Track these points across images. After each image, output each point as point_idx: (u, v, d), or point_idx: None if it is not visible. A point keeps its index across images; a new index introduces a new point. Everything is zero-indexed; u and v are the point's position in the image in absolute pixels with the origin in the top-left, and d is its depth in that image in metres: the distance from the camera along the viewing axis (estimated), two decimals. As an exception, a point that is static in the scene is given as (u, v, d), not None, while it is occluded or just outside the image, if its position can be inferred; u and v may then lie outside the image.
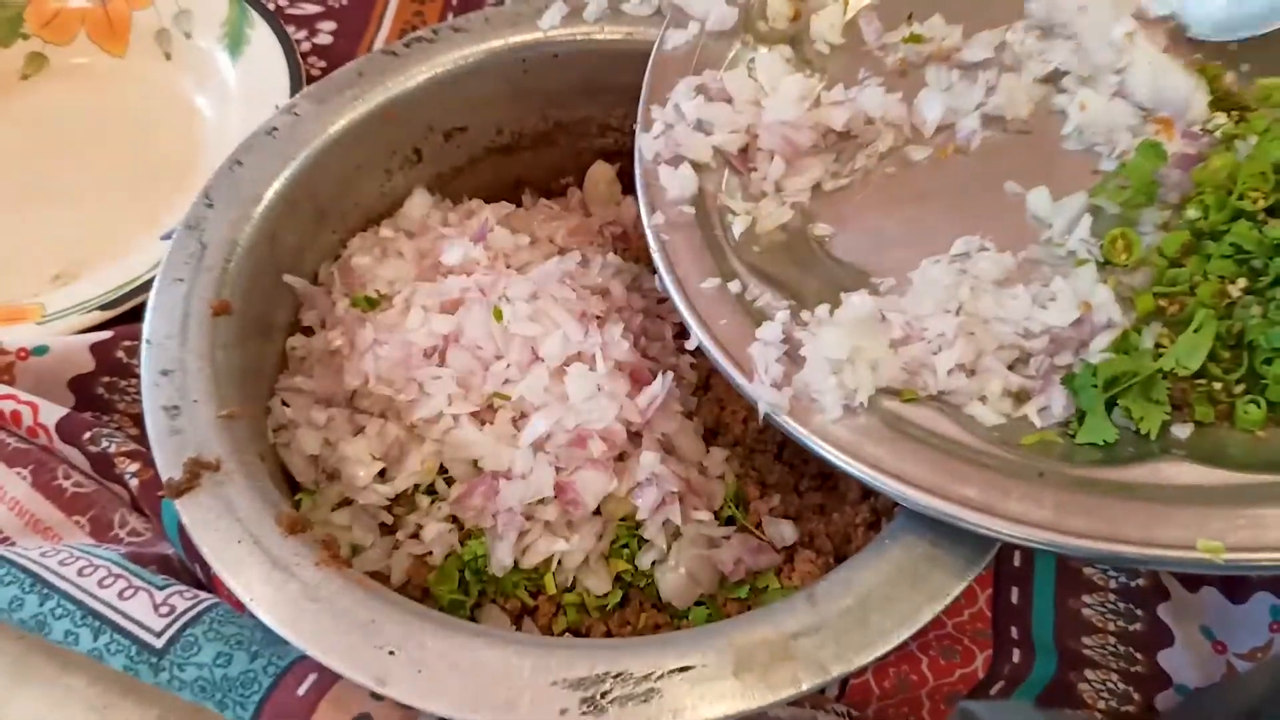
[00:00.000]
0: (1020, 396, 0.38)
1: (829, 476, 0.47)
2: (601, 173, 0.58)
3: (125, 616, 0.40)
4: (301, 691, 0.38)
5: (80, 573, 0.41)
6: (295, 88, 0.66)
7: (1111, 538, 0.34)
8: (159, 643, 0.39)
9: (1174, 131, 0.42)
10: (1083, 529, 0.34)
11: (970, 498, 0.35)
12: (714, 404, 0.47)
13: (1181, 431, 0.36)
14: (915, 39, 0.48)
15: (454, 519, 0.44)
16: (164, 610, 0.40)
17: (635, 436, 0.44)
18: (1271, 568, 0.33)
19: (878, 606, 0.35)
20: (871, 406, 0.38)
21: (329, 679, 0.37)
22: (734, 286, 0.42)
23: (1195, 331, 0.37)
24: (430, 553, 0.43)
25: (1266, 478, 0.35)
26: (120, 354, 0.54)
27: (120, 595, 0.41)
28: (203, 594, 0.42)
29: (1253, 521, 0.33)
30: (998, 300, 0.40)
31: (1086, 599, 0.49)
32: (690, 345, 0.41)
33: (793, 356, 0.39)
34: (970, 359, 0.39)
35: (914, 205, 0.45)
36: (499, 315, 0.45)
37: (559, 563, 0.43)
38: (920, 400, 0.38)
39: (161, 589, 0.41)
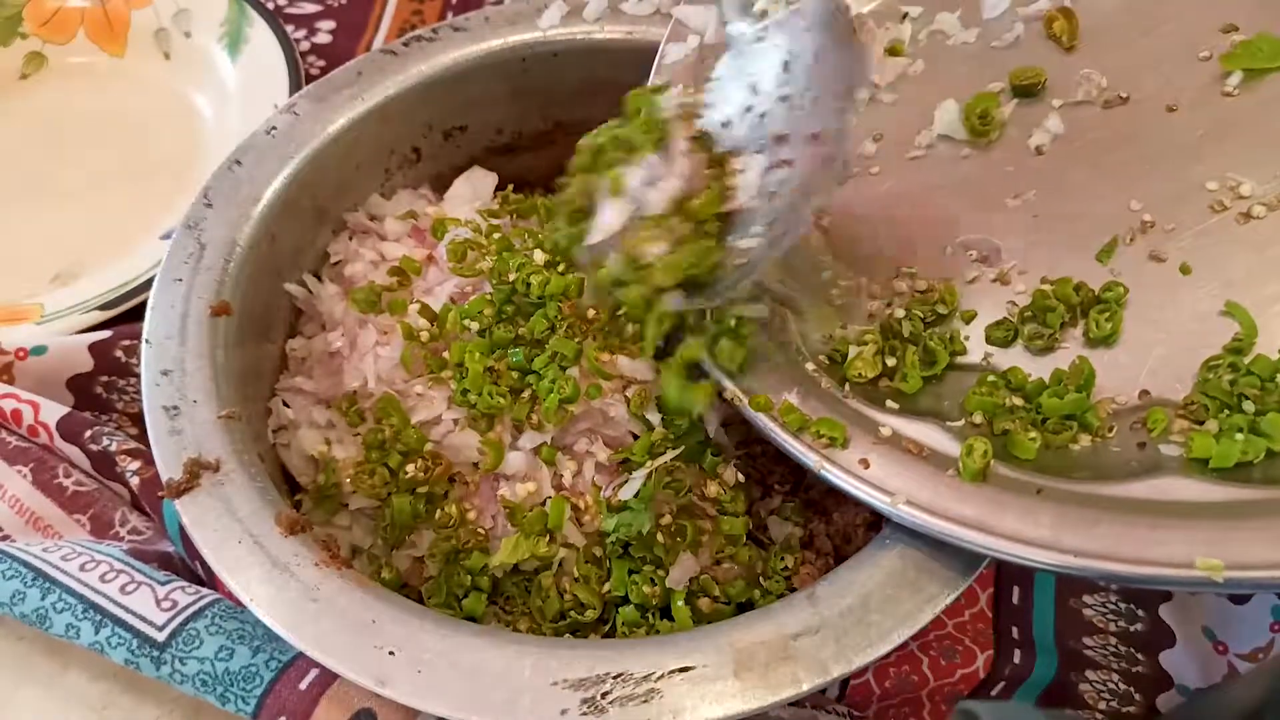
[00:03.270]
0: None
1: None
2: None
3: (127, 610, 0.40)
4: (304, 686, 0.38)
5: (82, 568, 0.41)
6: (294, 87, 0.66)
7: (1108, 556, 0.33)
8: (161, 636, 0.39)
9: None
10: (1079, 547, 0.34)
11: (967, 516, 0.35)
12: (714, 404, 0.47)
13: (1172, 450, 0.36)
14: (896, 49, 0.47)
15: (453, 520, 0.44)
16: (166, 605, 0.40)
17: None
18: (1272, 585, 0.32)
19: (878, 607, 0.35)
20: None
21: (331, 674, 0.37)
22: None
23: None
24: (430, 553, 0.43)
25: (1267, 493, 0.34)
26: (119, 354, 0.54)
27: (122, 590, 0.41)
28: (204, 590, 0.42)
29: (1254, 537, 0.33)
30: None
31: (1087, 599, 0.49)
32: None
33: None
34: None
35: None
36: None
37: (559, 564, 0.43)
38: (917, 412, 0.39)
39: (163, 584, 0.41)
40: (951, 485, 0.36)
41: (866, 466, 0.37)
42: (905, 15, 0.48)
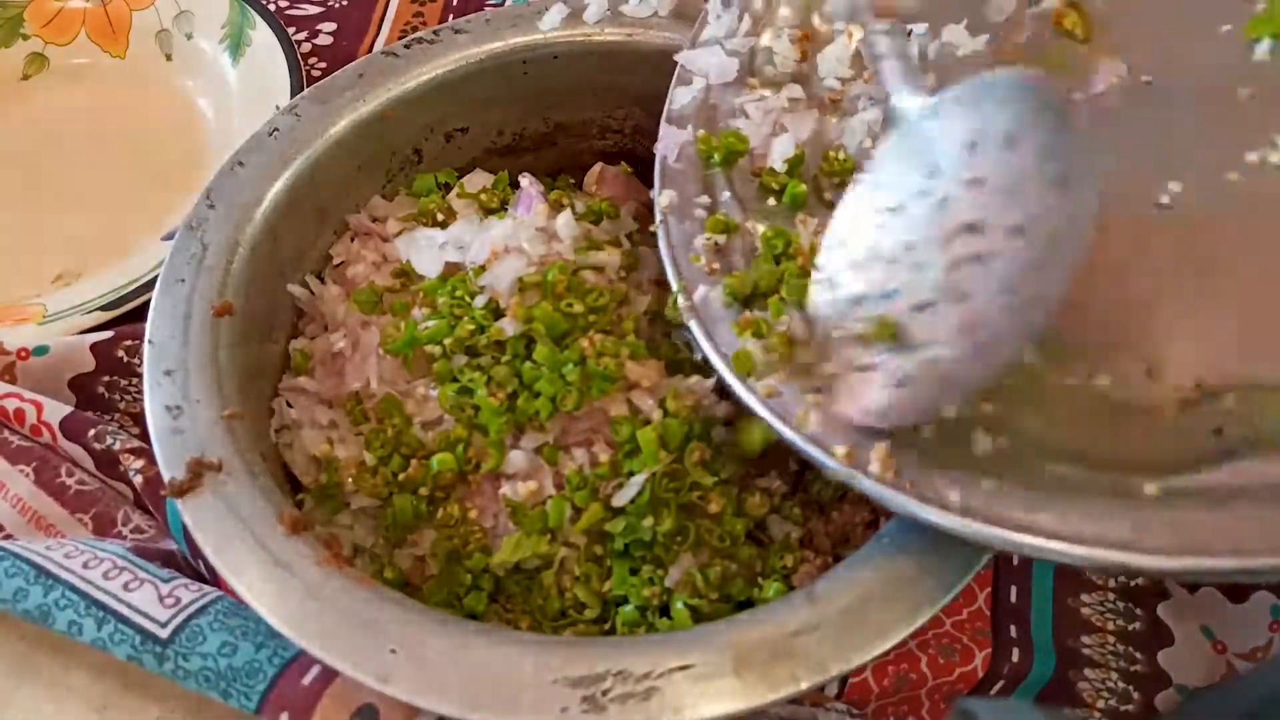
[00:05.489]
0: None
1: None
2: (602, 174, 0.58)
3: (130, 607, 0.40)
4: (306, 682, 0.38)
5: (85, 565, 0.42)
6: (296, 89, 0.67)
7: (1196, 550, 0.31)
8: (164, 633, 0.39)
9: None
10: (1163, 545, 0.31)
11: (1038, 524, 0.33)
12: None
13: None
14: None
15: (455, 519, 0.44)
16: (169, 602, 0.41)
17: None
18: None
19: (877, 605, 0.35)
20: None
21: (334, 670, 0.37)
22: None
23: None
24: (432, 553, 0.44)
25: None
26: (121, 354, 0.54)
27: (125, 587, 0.41)
28: (208, 587, 0.42)
29: None
30: None
31: (1085, 598, 0.49)
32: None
33: None
34: None
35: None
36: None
37: (560, 563, 0.43)
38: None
39: (167, 581, 0.42)
40: (1005, 490, 0.34)
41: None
42: (910, 32, 0.47)
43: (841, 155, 0.45)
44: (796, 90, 0.47)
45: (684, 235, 0.43)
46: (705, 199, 0.45)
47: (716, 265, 0.42)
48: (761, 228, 0.43)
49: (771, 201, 0.45)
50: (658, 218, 0.45)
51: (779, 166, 0.45)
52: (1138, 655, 0.47)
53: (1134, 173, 0.40)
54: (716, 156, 0.45)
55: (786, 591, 0.40)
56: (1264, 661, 0.47)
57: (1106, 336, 0.38)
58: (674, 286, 0.43)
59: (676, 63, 0.49)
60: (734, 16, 0.49)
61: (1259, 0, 0.41)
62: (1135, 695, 0.46)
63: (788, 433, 0.37)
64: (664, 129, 0.47)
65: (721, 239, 0.43)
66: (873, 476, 0.35)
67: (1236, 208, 0.38)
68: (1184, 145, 0.40)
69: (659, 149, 0.47)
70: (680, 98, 0.48)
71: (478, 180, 0.55)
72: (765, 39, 0.49)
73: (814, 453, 0.37)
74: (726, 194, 0.45)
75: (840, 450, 0.36)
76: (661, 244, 0.44)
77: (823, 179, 0.45)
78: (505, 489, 0.43)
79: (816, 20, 0.49)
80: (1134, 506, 0.33)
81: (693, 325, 0.41)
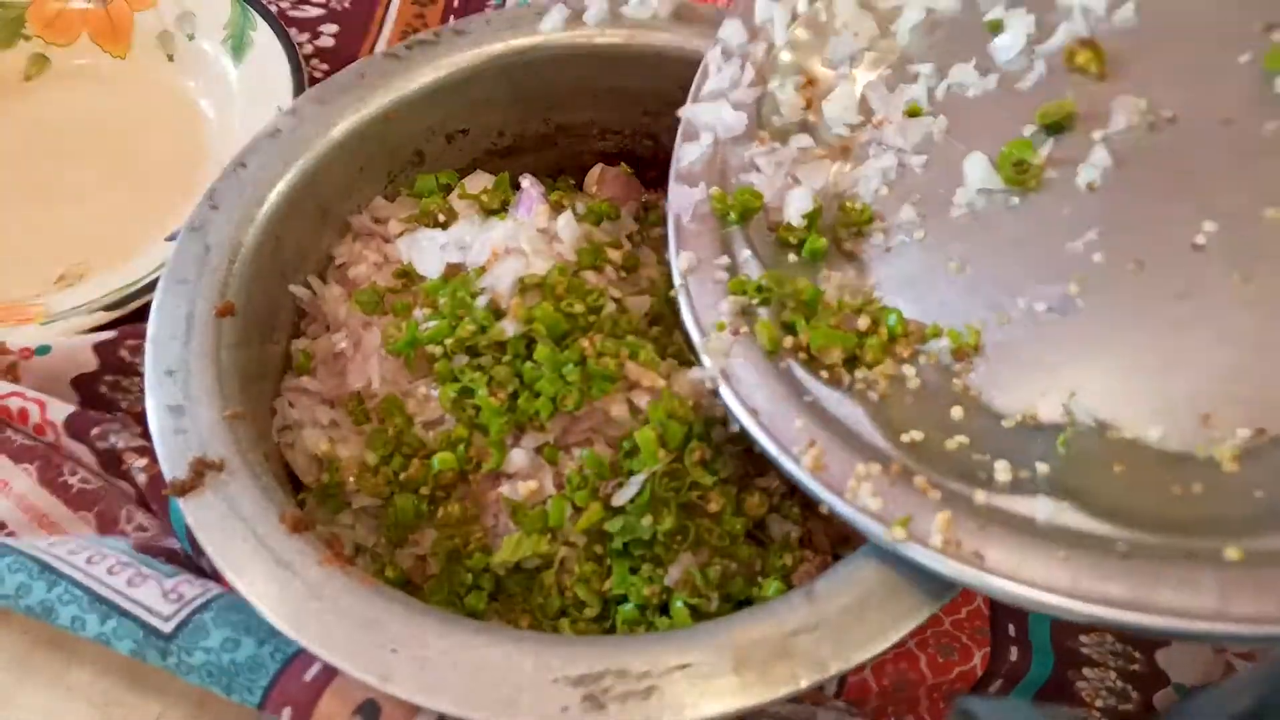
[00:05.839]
0: None
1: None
2: (602, 175, 0.58)
3: (133, 602, 0.40)
4: (308, 678, 0.38)
5: (89, 561, 0.42)
6: (298, 90, 0.67)
7: None
8: (167, 628, 0.40)
9: None
10: (1253, 613, 0.30)
11: (1114, 596, 0.32)
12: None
13: None
14: (914, 110, 0.45)
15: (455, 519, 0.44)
16: (173, 597, 0.41)
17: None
18: None
19: (876, 604, 0.36)
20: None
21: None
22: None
23: None
24: (432, 552, 0.44)
25: None
26: (124, 353, 0.54)
27: (129, 582, 0.41)
28: (211, 583, 0.42)
29: None
30: None
31: (1084, 598, 0.49)
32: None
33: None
34: None
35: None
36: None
37: (560, 562, 0.43)
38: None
39: (170, 577, 0.42)
40: (1076, 560, 0.33)
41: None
42: (917, 75, 0.46)
43: (858, 205, 0.44)
44: (806, 140, 0.46)
45: (706, 299, 0.42)
46: (725, 259, 0.43)
47: (744, 329, 0.41)
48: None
49: (791, 257, 0.44)
50: (677, 281, 0.43)
51: (796, 221, 0.43)
52: (1136, 654, 0.48)
53: (1166, 212, 0.39)
54: (733, 215, 0.44)
55: (786, 590, 0.40)
56: (1263, 661, 0.47)
57: (1154, 384, 0.37)
58: (700, 352, 0.41)
59: (675, 63, 0.49)
60: (736, 67, 0.48)
61: (1275, 31, 0.40)
62: (1134, 694, 0.47)
63: (840, 506, 0.37)
64: (674, 188, 0.46)
65: (746, 300, 0.42)
66: (934, 549, 0.35)
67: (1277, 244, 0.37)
68: (1215, 183, 0.39)
69: (671, 209, 0.45)
70: (688, 154, 0.47)
71: (479, 181, 0.55)
72: (770, 85, 0.47)
73: (871, 527, 0.36)
74: (746, 252, 0.43)
75: (898, 526, 0.35)
76: (684, 310, 0.42)
77: (841, 230, 0.44)
78: (505, 489, 0.43)
79: (818, 65, 0.48)
80: (1216, 573, 0.32)
81: (725, 394, 0.40)
